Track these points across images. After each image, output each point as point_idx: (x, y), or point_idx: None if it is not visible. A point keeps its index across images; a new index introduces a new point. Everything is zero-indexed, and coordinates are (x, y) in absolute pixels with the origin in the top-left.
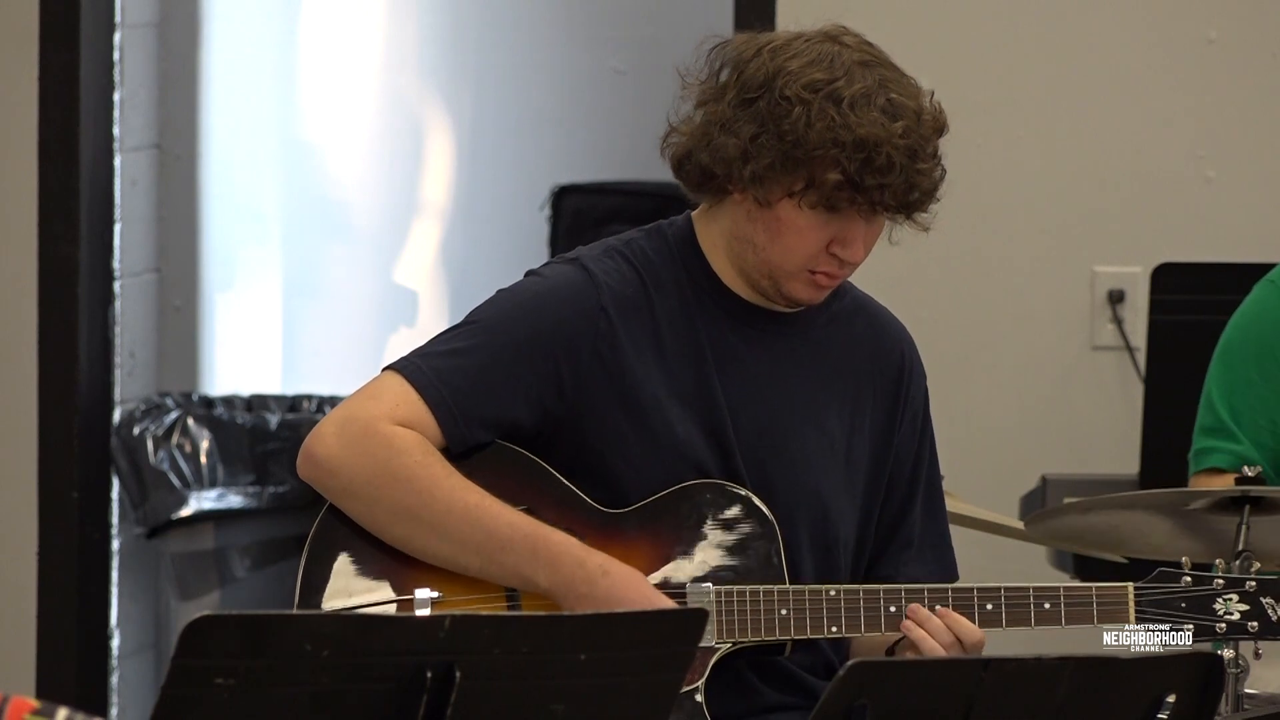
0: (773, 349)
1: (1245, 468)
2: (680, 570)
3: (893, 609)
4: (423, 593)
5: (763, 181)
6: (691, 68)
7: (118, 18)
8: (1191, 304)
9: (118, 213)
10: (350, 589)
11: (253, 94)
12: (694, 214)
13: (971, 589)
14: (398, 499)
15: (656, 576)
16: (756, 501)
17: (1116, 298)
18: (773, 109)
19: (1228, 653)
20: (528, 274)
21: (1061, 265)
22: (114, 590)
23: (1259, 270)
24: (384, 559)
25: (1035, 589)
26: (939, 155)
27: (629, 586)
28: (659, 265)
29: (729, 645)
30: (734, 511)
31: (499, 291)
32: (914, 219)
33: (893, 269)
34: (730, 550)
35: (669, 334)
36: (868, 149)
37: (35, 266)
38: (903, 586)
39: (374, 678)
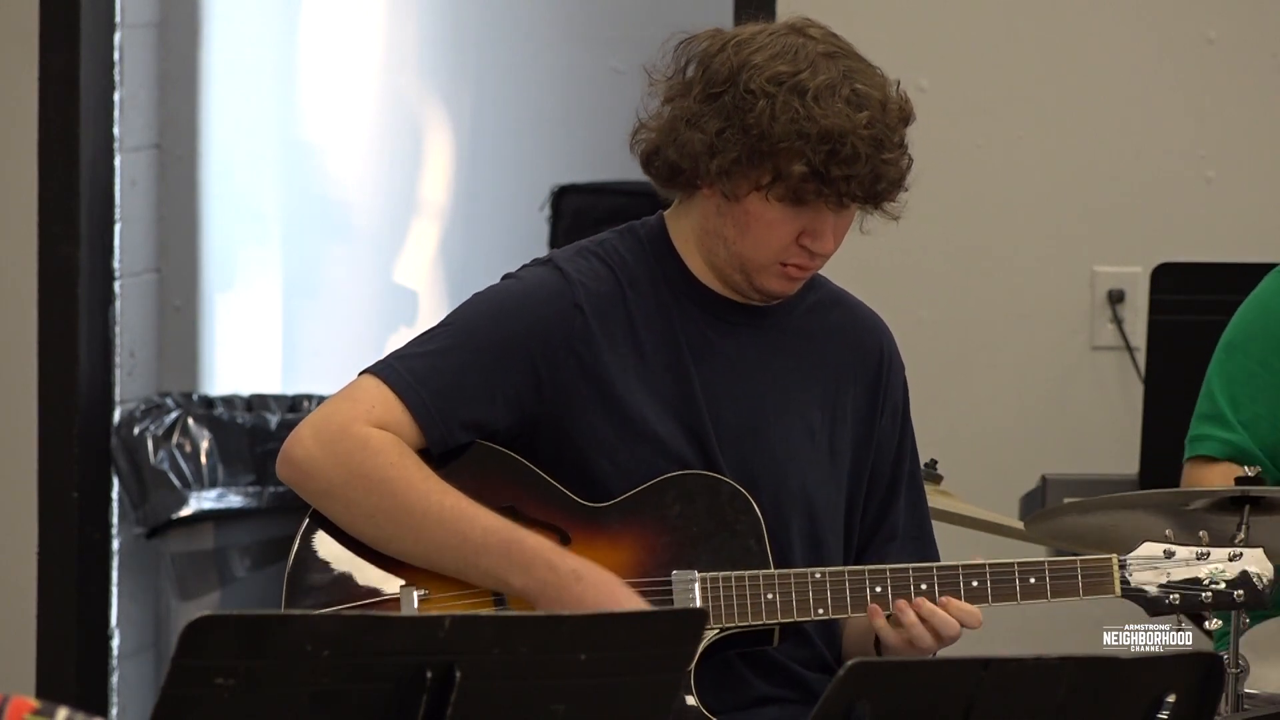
0: (750, 342)
1: (1245, 468)
2: (665, 559)
3: (878, 589)
4: (410, 591)
5: (730, 176)
6: (659, 64)
7: (118, 18)
8: (1191, 304)
9: (118, 213)
10: (337, 588)
11: (253, 94)
12: (666, 211)
13: (956, 567)
14: (373, 501)
15: (641, 566)
16: (737, 488)
17: (1116, 298)
18: (738, 103)
19: (1235, 665)
20: (504, 277)
21: (1061, 265)
22: (114, 590)
23: (1259, 270)
24: (372, 558)
25: (1020, 564)
26: (905, 145)
27: (601, 590)
28: (633, 263)
29: (716, 631)
30: (715, 499)
31: (475, 294)
32: (883, 209)
33: (892, 268)
34: (714, 537)
35: (645, 331)
36: (832, 140)
37: (35, 266)
38: (888, 567)
39: (374, 678)
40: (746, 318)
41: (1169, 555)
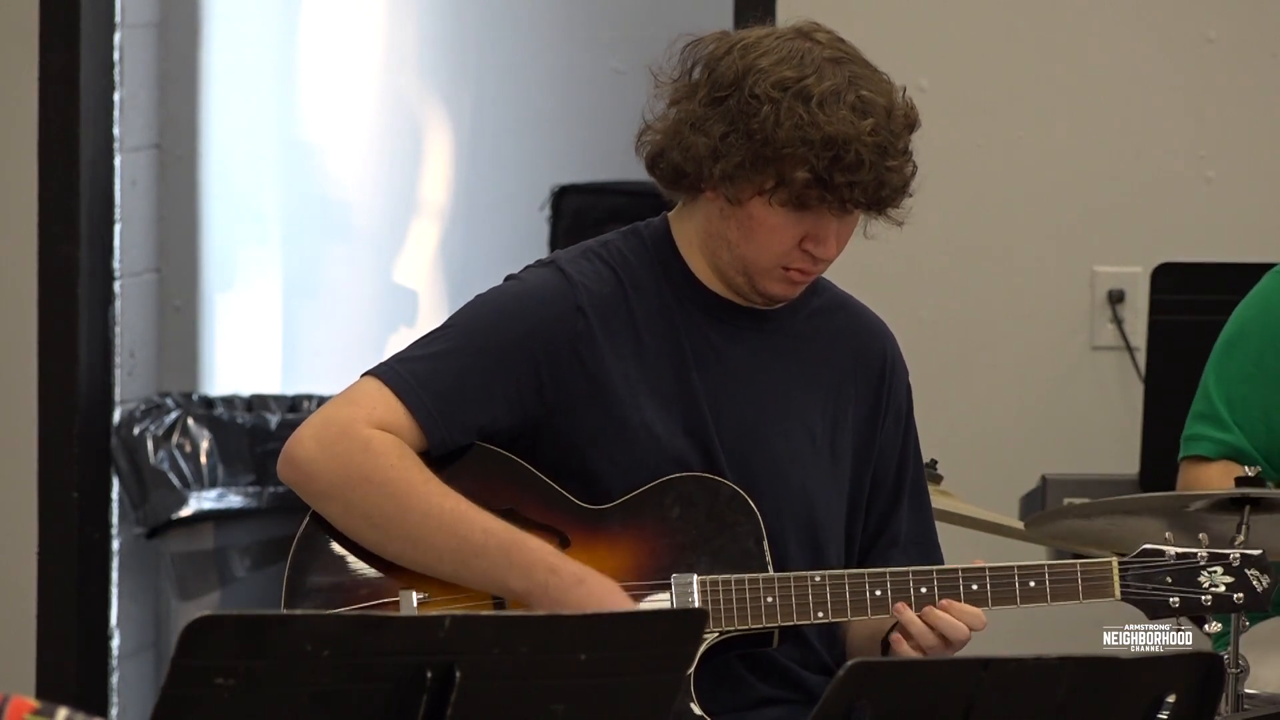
0: (752, 345)
1: (1245, 468)
2: (664, 562)
3: (878, 593)
4: (409, 594)
5: (733, 180)
6: (665, 65)
7: (118, 18)
8: (1191, 304)
9: (118, 213)
10: (336, 591)
11: (253, 94)
12: (670, 214)
13: (956, 570)
14: (373, 503)
15: (640, 569)
16: (738, 491)
17: (1116, 298)
18: (742, 107)
19: (1235, 665)
20: (506, 278)
21: (1061, 265)
22: (114, 590)
23: (1259, 270)
24: (371, 561)
25: (1020, 568)
26: (910, 151)
27: (604, 594)
28: (636, 266)
29: (715, 635)
30: (715, 501)
31: (477, 296)
32: (887, 215)
33: (893, 268)
34: (713, 540)
35: (648, 334)
36: (836, 147)
37: (35, 266)
38: (887, 570)
39: (374, 678)
40: (749, 321)
41: (1168, 558)
